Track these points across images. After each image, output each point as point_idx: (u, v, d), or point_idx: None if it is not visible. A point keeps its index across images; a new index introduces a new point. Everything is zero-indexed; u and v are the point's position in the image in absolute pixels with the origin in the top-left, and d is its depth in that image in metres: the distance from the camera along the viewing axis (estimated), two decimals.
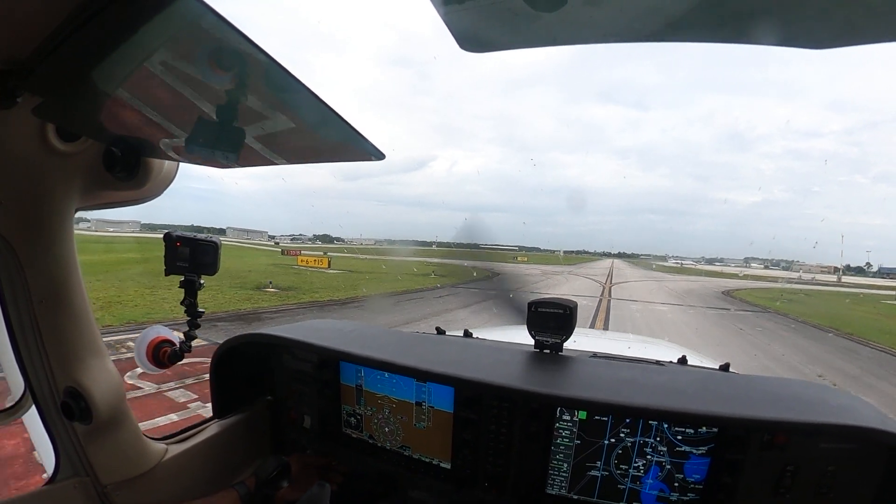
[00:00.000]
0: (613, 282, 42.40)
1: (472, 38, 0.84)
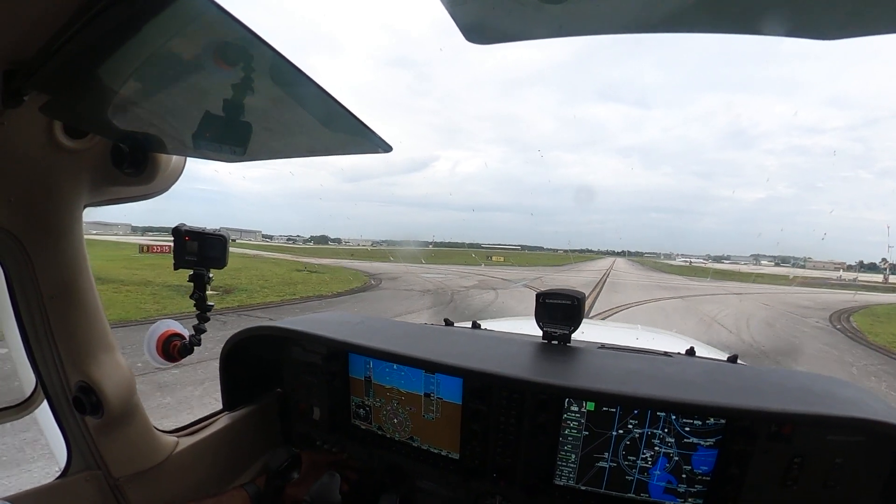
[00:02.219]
0: (596, 308, 20.18)
1: (478, 29, 0.87)
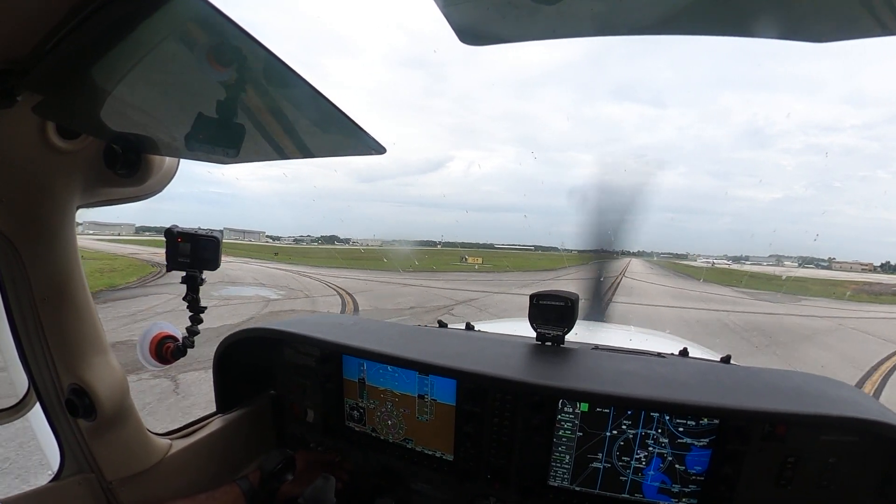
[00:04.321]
0: None
1: (472, 30, 0.89)
